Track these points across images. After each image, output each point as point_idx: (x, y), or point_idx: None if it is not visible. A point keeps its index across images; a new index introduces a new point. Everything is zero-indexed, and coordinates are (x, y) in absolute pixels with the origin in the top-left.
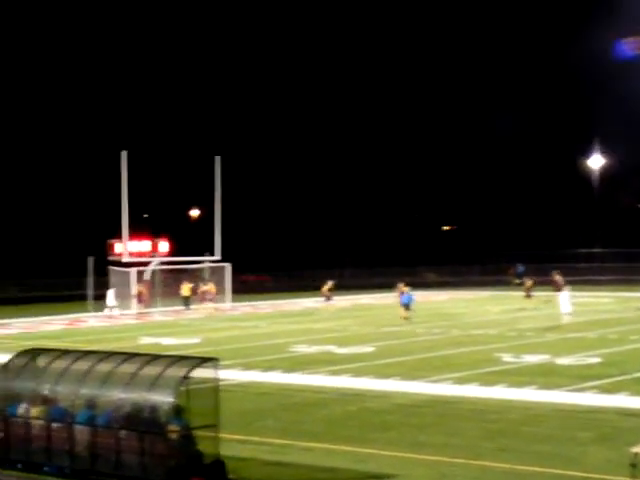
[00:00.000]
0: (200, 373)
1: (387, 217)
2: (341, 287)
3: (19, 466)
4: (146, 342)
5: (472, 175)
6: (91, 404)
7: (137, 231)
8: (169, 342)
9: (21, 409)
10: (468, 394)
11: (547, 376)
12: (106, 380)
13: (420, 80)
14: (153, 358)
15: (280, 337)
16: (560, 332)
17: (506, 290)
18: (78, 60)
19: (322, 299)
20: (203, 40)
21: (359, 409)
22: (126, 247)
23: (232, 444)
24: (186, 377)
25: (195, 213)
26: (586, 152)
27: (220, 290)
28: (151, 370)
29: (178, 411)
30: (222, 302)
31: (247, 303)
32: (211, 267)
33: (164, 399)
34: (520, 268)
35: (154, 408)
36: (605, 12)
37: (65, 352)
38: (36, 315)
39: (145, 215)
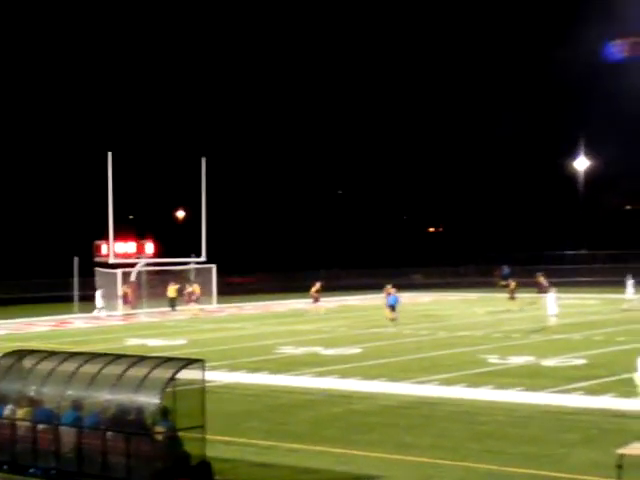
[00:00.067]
0: (186, 375)
1: (375, 219)
2: (329, 288)
3: (5, 467)
4: (132, 343)
5: (459, 177)
6: (77, 405)
7: (123, 232)
8: (155, 343)
9: (7, 410)
10: (454, 395)
11: (533, 377)
12: (92, 382)
13: (404, 83)
14: (139, 359)
15: (267, 338)
16: (546, 334)
17: (492, 292)
18: (64, 62)
19: (310, 300)
20: (188, 42)
21: (345, 410)
22: (112, 248)
23: (218, 445)
24: (172, 379)
25: (181, 214)
26: (571, 154)
27: (206, 291)
28: (137, 372)
29: (164, 413)
30: (208, 303)
31: (233, 304)
32: (197, 268)
33: (150, 400)
34: (506, 270)
35: (140, 410)
36: (590, 14)
37: (51, 353)
38: (22, 316)
39: (131, 216)
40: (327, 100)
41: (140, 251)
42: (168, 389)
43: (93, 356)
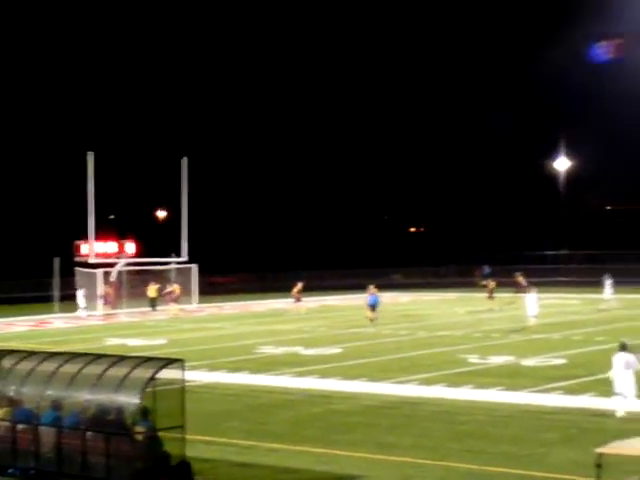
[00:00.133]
0: (166, 374)
1: (356, 219)
2: (310, 288)
3: None
4: (112, 343)
5: (440, 177)
6: (57, 405)
7: (103, 232)
8: (135, 343)
9: None
10: (435, 395)
11: (513, 377)
12: (72, 381)
13: (385, 85)
14: (119, 359)
15: (247, 338)
16: (525, 333)
17: (472, 292)
18: (44, 61)
19: (291, 300)
20: (170, 42)
21: (325, 410)
22: (92, 248)
23: (198, 445)
24: (152, 378)
25: (162, 214)
26: (552, 154)
27: (187, 291)
28: (117, 371)
29: (144, 412)
30: (188, 303)
31: (213, 304)
32: (178, 268)
33: (130, 400)
34: (486, 270)
35: (120, 410)
36: (573, 16)
37: (31, 353)
38: (1, 316)
39: (111, 216)
40: (306, 99)
41: (121, 251)
42: (148, 389)
43: (73, 356)
